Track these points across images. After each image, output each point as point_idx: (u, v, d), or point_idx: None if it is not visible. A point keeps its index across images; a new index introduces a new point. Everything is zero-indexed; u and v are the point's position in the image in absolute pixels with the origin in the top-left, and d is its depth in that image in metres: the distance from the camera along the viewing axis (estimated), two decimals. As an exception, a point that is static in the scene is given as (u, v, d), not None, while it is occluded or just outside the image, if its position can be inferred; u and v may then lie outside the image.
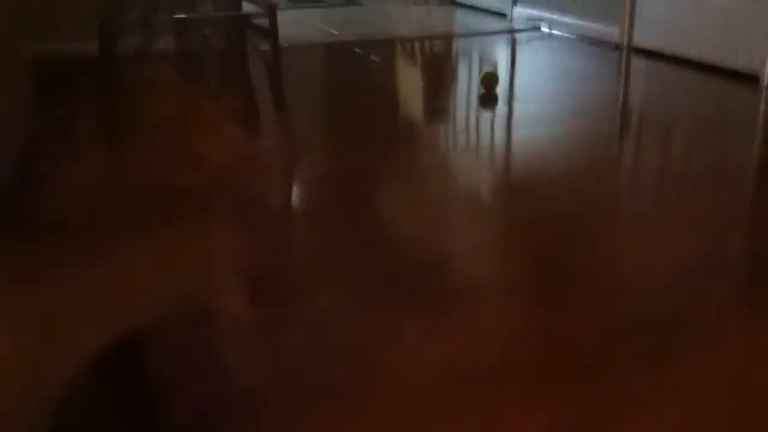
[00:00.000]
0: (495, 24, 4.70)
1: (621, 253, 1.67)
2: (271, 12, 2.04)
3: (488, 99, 2.99)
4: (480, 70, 3.45)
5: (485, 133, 2.65)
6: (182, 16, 2.31)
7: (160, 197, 0.99)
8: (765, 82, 3.08)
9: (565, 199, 1.98)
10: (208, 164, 1.02)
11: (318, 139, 2.57)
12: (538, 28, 4.49)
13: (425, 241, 1.73)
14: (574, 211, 1.90)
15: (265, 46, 2.20)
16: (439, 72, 3.66)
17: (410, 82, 3.45)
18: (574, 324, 1.37)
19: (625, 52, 3.80)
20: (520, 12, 4.75)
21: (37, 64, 2.38)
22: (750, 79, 3.14)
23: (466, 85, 3.46)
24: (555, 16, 4.40)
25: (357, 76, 3.51)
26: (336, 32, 4.48)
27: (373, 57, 3.83)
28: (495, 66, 3.68)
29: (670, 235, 1.75)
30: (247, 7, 2.60)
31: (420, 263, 1.61)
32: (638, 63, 3.63)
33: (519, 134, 2.61)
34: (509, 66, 3.82)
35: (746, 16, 3.16)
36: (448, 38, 4.40)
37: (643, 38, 3.77)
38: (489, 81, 3.07)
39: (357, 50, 4.01)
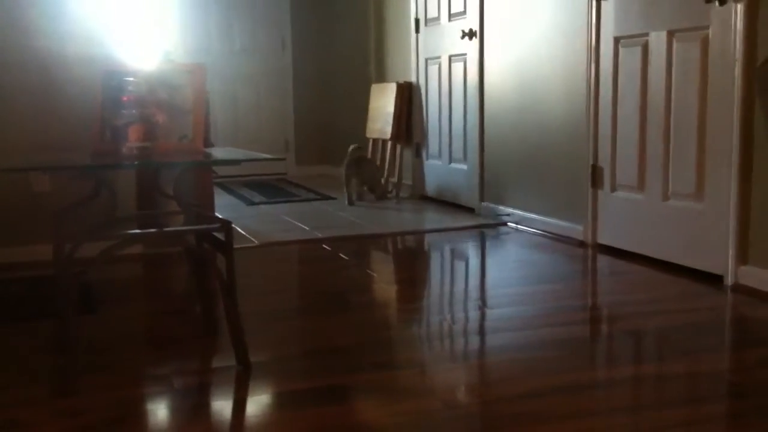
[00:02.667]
0: (464, 219, 4.81)
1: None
2: (227, 229, 2.06)
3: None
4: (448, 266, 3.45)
5: (458, 339, 2.62)
6: (140, 232, 2.31)
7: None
8: (729, 282, 3.13)
9: (545, 417, 1.93)
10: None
11: (280, 349, 2.53)
12: (505, 224, 4.60)
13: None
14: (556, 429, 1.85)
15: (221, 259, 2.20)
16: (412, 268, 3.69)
17: (381, 282, 3.46)
18: None
19: (590, 250, 3.87)
20: (488, 207, 4.88)
21: None
22: (713, 278, 3.19)
23: (438, 284, 3.48)
24: (521, 212, 4.52)
25: (324, 276, 3.52)
26: (307, 228, 4.54)
27: (341, 254, 3.87)
28: None
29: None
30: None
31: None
32: (603, 261, 3.69)
33: (492, 342, 2.59)
34: (479, 263, 3.87)
35: (703, 217, 3.26)
36: (418, 234, 4.47)
37: (606, 236, 3.86)
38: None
39: (326, 247, 4.05)
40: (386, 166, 5.87)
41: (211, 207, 3.57)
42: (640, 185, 3.62)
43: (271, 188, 6.46)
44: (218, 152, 2.51)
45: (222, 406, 2.06)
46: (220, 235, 2.15)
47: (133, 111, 1.98)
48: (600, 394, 2.12)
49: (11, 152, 3.22)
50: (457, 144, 5.28)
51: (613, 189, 3.80)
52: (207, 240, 2.27)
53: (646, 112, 3.55)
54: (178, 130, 2.16)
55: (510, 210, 4.63)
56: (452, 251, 4.11)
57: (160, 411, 2.02)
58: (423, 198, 5.74)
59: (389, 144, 5.88)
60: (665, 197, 3.49)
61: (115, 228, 2.14)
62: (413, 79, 5.83)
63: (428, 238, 4.38)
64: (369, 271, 3.65)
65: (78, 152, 2.34)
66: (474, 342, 2.61)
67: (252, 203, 5.63)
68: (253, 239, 4.19)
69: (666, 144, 3.46)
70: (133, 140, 1.97)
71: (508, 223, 4.59)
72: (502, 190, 4.75)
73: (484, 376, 2.29)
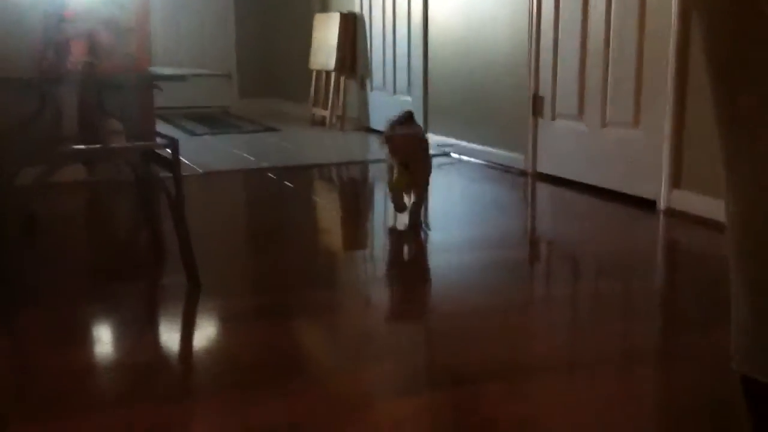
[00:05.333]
0: (407, 150, 4.85)
1: (534, 395, 1.70)
2: (173, 146, 2.07)
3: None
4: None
5: (401, 261, 2.69)
6: (84, 147, 2.30)
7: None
8: (661, 207, 3.26)
9: (480, 334, 2.01)
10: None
11: (227, 271, 2.57)
12: (448, 154, 4.67)
13: (340, 382, 1.73)
14: (488, 347, 1.94)
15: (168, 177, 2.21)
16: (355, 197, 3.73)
17: (325, 209, 3.50)
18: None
19: (530, 179, 3.97)
20: (432, 138, 4.92)
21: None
22: (648, 203, 3.31)
23: (381, 211, 3.53)
24: (464, 143, 4.59)
25: (270, 202, 3.55)
26: (252, 158, 4.54)
27: (286, 183, 3.89)
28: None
29: (582, 375, 1.80)
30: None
31: (337, 405, 1.60)
32: (543, 189, 3.79)
33: (434, 262, 2.67)
34: (422, 191, 3.93)
35: (639, 143, 3.37)
36: (362, 164, 4.51)
37: (546, 165, 3.96)
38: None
39: (271, 176, 4.07)
40: (330, 99, 5.86)
41: (153, 129, 3.54)
42: (580, 114, 3.71)
43: (214, 120, 6.40)
44: (162, 72, 2.49)
45: (172, 322, 2.10)
46: (166, 154, 2.16)
47: (75, 25, 1.96)
48: (536, 312, 2.21)
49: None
50: (402, 75, 5.29)
51: (554, 118, 3.89)
52: (153, 160, 2.27)
53: (587, 42, 3.62)
54: (121, 49, 2.14)
55: (453, 141, 4.69)
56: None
57: (108, 329, 2.05)
58: (367, 130, 5.76)
59: (333, 75, 5.86)
60: (603, 125, 3.58)
61: (59, 147, 2.13)
62: (357, 10, 5.79)
63: (372, 168, 4.42)
64: (314, 198, 3.69)
65: (20, 71, 2.29)
66: (416, 264, 2.68)
67: (195, 134, 5.58)
68: (197, 168, 4.18)
69: (605, 73, 3.53)
70: (76, 55, 1.95)
71: (451, 154, 4.66)
72: (446, 121, 4.80)
73: (424, 295, 2.36)
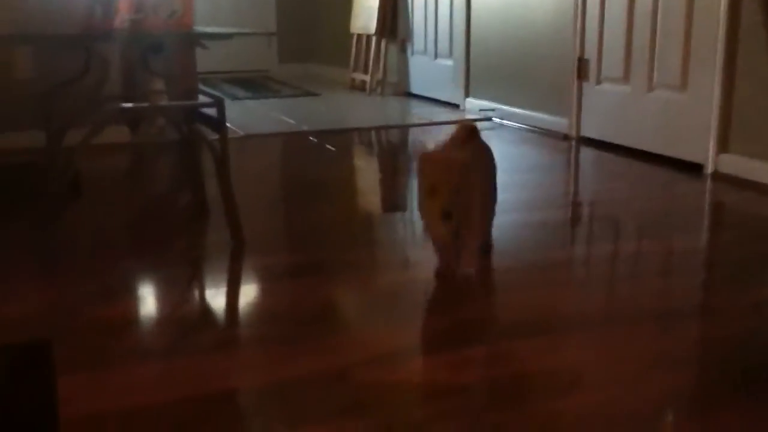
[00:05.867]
0: (448, 114, 4.82)
1: (573, 349, 1.69)
2: (219, 105, 2.08)
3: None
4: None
5: (442, 221, 2.68)
6: (133, 105, 2.33)
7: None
8: (708, 171, 3.20)
9: (519, 289, 2.00)
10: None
11: (268, 230, 2.59)
12: (489, 119, 4.62)
13: (378, 337, 1.74)
14: (527, 302, 1.93)
15: (214, 137, 2.22)
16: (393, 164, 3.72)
17: (366, 172, 3.50)
18: (531, 417, 1.37)
19: (573, 142, 3.92)
20: (473, 103, 4.89)
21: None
22: (694, 167, 3.25)
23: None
24: (506, 107, 4.54)
25: (311, 164, 3.56)
26: (293, 121, 4.55)
27: (328, 146, 3.89)
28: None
29: (620, 331, 1.78)
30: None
31: (374, 359, 1.61)
32: (587, 153, 3.74)
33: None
34: (463, 155, 3.90)
35: (686, 106, 3.31)
36: (403, 128, 4.50)
37: (590, 129, 3.90)
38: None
39: (312, 139, 4.07)
40: (370, 64, 5.84)
41: (196, 89, 3.56)
42: (626, 77, 3.64)
43: (254, 85, 6.41)
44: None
45: (216, 278, 2.13)
46: (211, 113, 2.17)
47: (123, -17, 1.96)
48: (577, 269, 2.20)
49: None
50: (443, 39, 5.24)
51: (599, 81, 3.82)
52: (198, 119, 2.28)
53: (634, 3, 3.54)
54: (166, 6, 2.15)
55: (495, 105, 4.65)
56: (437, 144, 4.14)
57: (153, 284, 2.08)
58: (408, 95, 5.73)
59: (374, 40, 5.83)
60: (650, 88, 3.52)
61: (106, 105, 2.15)
62: (399, -27, 5.73)
63: (413, 132, 4.41)
64: (355, 161, 3.69)
65: (68, 28, 2.31)
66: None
67: (236, 98, 5.60)
68: (239, 131, 4.20)
69: (652, 35, 3.46)
70: (124, 12, 1.96)
71: (493, 119, 4.62)
72: (488, 85, 4.75)
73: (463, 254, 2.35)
